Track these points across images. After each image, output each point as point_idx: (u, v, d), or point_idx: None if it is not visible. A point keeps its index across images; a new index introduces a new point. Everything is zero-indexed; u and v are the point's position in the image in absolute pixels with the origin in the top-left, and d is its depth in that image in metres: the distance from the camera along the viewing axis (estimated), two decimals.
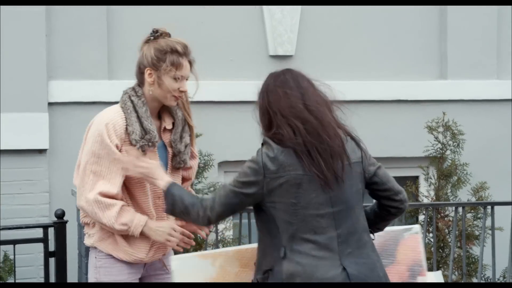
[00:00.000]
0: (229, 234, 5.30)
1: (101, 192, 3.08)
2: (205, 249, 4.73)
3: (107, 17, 5.55)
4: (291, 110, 2.79)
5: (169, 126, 3.24)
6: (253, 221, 4.89)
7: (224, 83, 5.82)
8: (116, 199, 3.11)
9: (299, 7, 5.92)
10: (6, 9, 5.26)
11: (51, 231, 4.31)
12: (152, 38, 3.19)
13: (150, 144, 3.12)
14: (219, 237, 4.97)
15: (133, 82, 5.71)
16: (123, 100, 3.19)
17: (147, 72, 3.15)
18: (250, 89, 5.77)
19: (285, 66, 5.83)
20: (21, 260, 4.69)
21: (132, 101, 3.16)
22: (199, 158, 5.31)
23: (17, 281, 4.51)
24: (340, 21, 6.07)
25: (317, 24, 6.03)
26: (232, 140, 5.82)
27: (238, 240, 4.84)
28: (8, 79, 5.30)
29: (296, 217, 2.72)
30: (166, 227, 3.14)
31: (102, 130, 3.10)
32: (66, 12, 5.45)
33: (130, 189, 3.19)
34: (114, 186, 3.09)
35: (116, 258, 3.17)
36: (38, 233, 4.38)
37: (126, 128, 3.13)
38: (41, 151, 5.38)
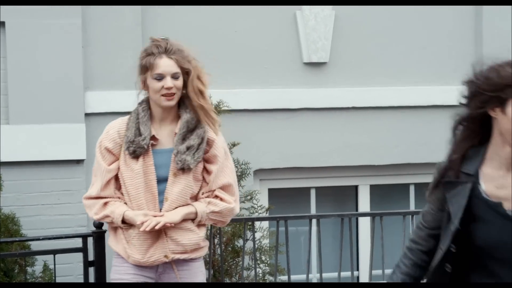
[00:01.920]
0: (266, 242, 5.29)
1: (86, 196, 3.39)
2: (243, 257, 4.72)
3: (142, 28, 5.59)
4: None
5: (177, 130, 3.31)
6: (290, 228, 4.89)
7: (259, 91, 5.82)
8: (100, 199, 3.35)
9: (332, 13, 5.91)
10: (43, 21, 5.33)
11: (90, 240, 4.33)
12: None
13: (135, 146, 3.25)
14: (256, 245, 4.96)
15: None
16: (133, 110, 3.38)
17: (139, 80, 3.35)
18: (285, 97, 5.86)
19: (320, 73, 5.96)
20: (61, 270, 4.72)
21: (137, 109, 3.34)
22: (236, 167, 5.31)
23: None
24: (375, 27, 6.04)
25: (351, 31, 6.01)
26: (267, 148, 5.82)
27: (275, 249, 4.83)
28: (45, 90, 5.36)
29: None
30: (141, 212, 3.26)
31: (100, 137, 3.39)
32: (102, 23, 5.51)
33: (126, 186, 3.32)
34: (95, 189, 3.33)
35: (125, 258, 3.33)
36: (77, 243, 4.41)
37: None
38: (79, 162, 5.43)
